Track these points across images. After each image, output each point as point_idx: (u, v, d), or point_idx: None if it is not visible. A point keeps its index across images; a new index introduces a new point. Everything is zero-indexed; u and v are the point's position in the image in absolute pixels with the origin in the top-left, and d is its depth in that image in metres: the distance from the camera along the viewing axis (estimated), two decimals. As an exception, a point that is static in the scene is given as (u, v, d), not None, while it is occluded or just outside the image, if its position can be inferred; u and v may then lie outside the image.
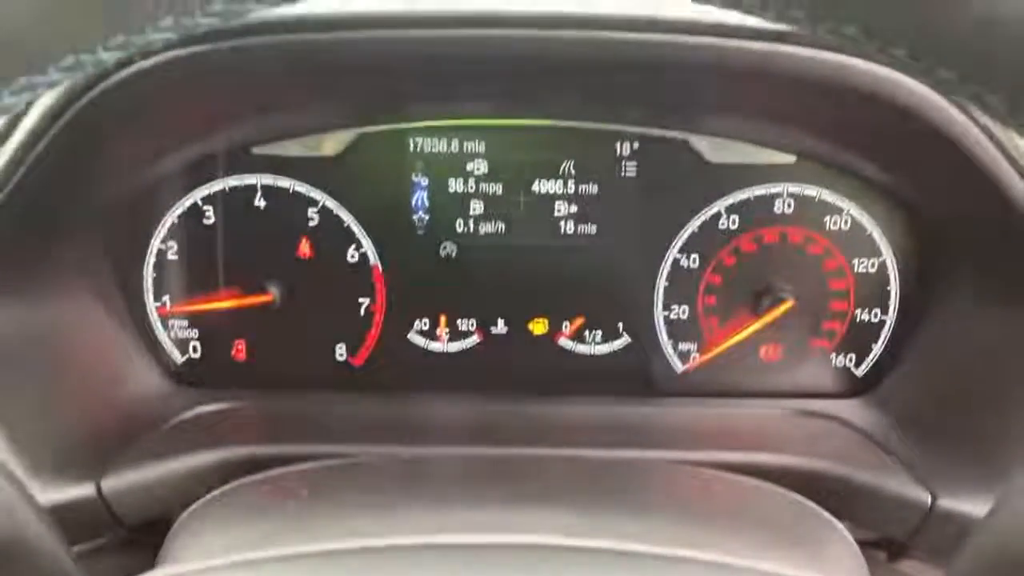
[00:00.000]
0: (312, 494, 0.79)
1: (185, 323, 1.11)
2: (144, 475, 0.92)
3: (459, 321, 1.13)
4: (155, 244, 1.08)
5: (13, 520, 0.66)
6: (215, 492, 0.81)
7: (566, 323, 1.13)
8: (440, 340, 1.13)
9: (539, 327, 1.13)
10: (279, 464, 0.91)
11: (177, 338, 1.11)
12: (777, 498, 0.81)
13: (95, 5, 0.33)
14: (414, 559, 0.61)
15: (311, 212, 1.08)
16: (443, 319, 1.13)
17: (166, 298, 1.10)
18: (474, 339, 1.13)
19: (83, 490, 0.89)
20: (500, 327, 1.13)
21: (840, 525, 0.76)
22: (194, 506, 0.81)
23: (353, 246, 1.09)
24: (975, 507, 0.87)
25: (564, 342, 1.14)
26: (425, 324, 1.13)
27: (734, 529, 0.72)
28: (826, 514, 0.77)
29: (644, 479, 0.88)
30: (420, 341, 1.13)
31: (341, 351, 1.13)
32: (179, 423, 1.04)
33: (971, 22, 0.30)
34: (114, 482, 0.90)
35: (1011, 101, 0.31)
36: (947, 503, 0.90)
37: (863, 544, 0.80)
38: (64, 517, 0.71)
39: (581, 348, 1.14)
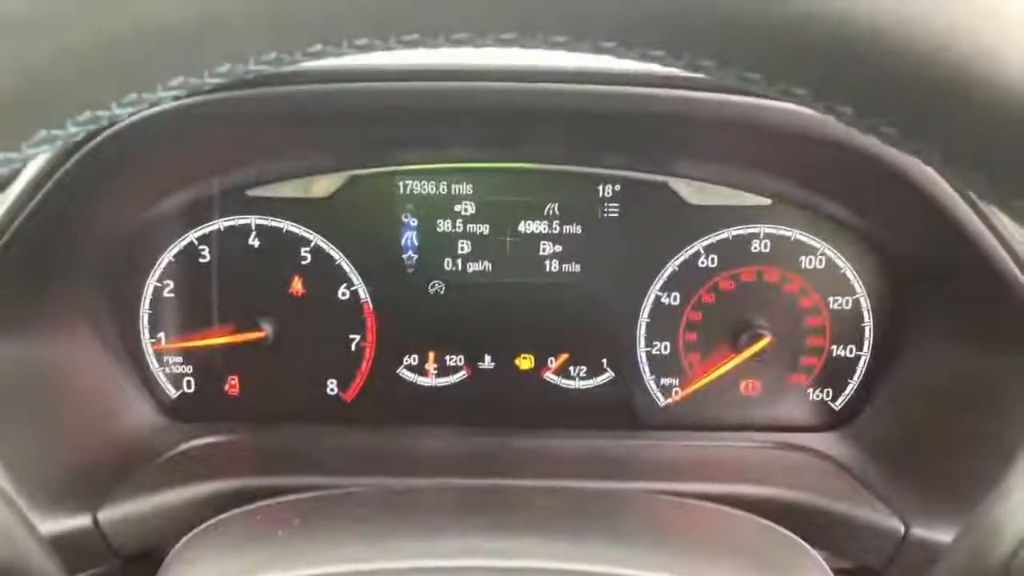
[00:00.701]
0: (304, 523, 0.81)
1: (180, 359, 1.14)
2: (139, 507, 0.94)
3: (447, 357, 1.16)
4: (151, 282, 1.11)
5: (15, 547, 0.68)
6: (209, 522, 0.83)
7: (551, 358, 1.16)
8: (429, 375, 1.16)
9: (525, 362, 1.16)
10: (271, 496, 0.93)
11: (172, 373, 1.14)
12: (750, 525, 0.84)
13: (110, 65, 0.37)
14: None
15: (303, 251, 1.12)
16: (432, 355, 1.16)
17: (161, 334, 1.13)
18: (462, 374, 1.17)
19: (79, 521, 0.91)
20: (487, 362, 1.16)
21: (813, 551, 0.79)
22: (188, 536, 0.83)
23: (344, 284, 1.13)
24: (946, 535, 0.90)
25: (550, 377, 1.17)
26: (414, 360, 1.16)
27: (711, 554, 0.74)
28: (798, 539, 0.80)
29: (624, 508, 0.91)
30: (409, 376, 1.16)
31: (332, 386, 1.16)
32: (173, 456, 1.06)
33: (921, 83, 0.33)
34: (110, 513, 0.92)
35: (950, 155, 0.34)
36: (920, 532, 0.93)
37: (839, 572, 0.83)
38: (61, 547, 0.73)
39: (566, 383, 1.17)
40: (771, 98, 0.90)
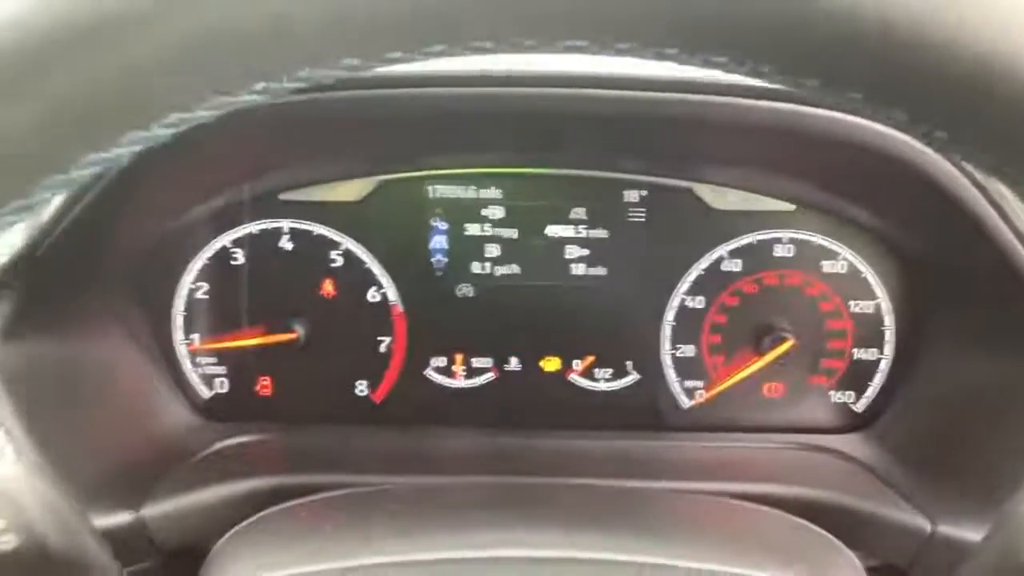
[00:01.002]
0: (344, 518, 0.83)
1: (213, 360, 1.16)
2: (179, 503, 0.96)
3: (474, 359, 1.18)
4: (185, 284, 1.13)
5: (73, 540, 0.70)
6: (252, 518, 0.85)
7: (577, 361, 1.18)
8: (456, 377, 1.18)
9: (551, 364, 1.18)
10: (305, 494, 0.95)
11: (205, 374, 1.16)
12: (783, 521, 0.85)
13: (198, 68, 0.39)
14: (453, 571, 0.66)
15: (334, 254, 1.14)
16: (459, 357, 1.18)
17: (195, 336, 1.15)
18: (489, 376, 1.18)
19: (123, 517, 0.93)
20: (514, 364, 1.18)
21: (846, 548, 0.80)
22: (231, 531, 0.85)
23: (374, 287, 1.15)
24: (972, 534, 0.91)
25: (575, 379, 1.18)
26: (442, 362, 1.18)
27: (747, 548, 0.76)
28: (831, 537, 0.82)
29: (655, 503, 0.93)
30: (437, 378, 1.18)
31: (362, 387, 1.18)
32: (208, 455, 1.08)
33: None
34: (151, 510, 0.94)
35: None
36: (946, 530, 0.95)
37: (866, 570, 0.84)
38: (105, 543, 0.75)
39: (591, 385, 1.19)
40: (795, 103, 0.93)
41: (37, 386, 0.95)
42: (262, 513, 0.87)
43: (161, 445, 1.07)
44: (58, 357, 0.99)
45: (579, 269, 1.15)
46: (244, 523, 0.87)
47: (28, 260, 0.94)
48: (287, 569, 0.72)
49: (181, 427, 1.12)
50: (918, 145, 0.92)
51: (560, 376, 1.18)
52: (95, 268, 1.02)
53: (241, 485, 1.01)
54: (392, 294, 1.15)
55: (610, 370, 1.18)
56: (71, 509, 0.71)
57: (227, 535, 0.85)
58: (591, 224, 1.14)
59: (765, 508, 0.89)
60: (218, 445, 1.10)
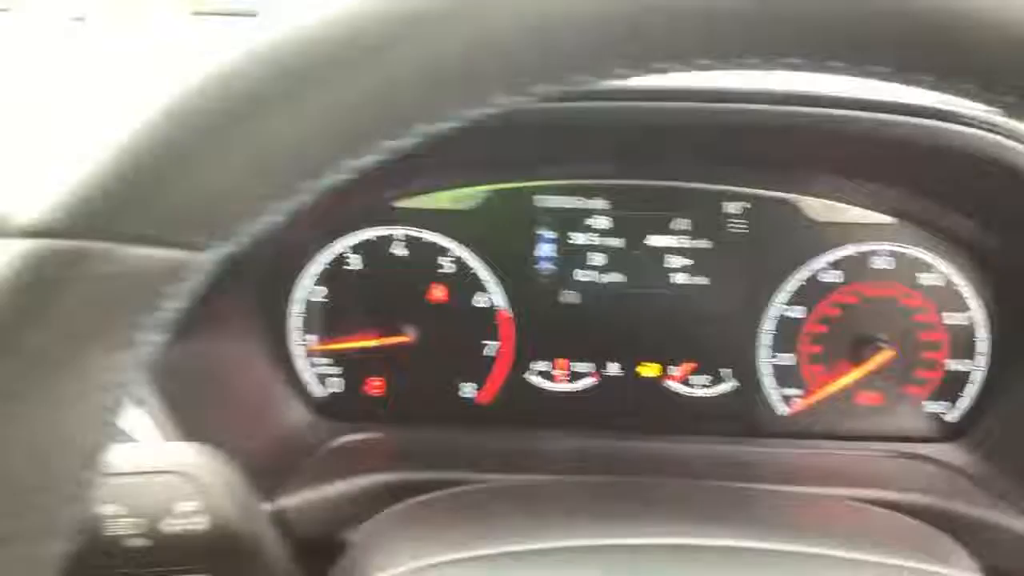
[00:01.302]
0: (479, 510, 0.88)
1: (328, 361, 1.21)
2: (309, 496, 1.01)
3: (576, 363, 1.22)
4: (304, 288, 1.19)
5: (252, 522, 0.75)
6: (389, 509, 0.90)
7: (675, 367, 1.22)
8: (557, 381, 1.22)
9: (650, 370, 1.22)
10: (421, 490, 1.00)
11: (320, 374, 1.21)
12: (901, 521, 0.88)
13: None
14: (603, 557, 0.70)
15: (445, 260, 1.19)
16: (562, 362, 1.22)
17: (312, 337, 1.20)
18: (589, 381, 1.22)
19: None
20: (613, 370, 1.22)
21: (961, 548, 0.83)
22: (368, 523, 0.90)
23: (481, 293, 1.19)
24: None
25: (673, 385, 1.22)
26: (545, 366, 1.22)
27: (869, 542, 0.79)
28: (947, 537, 0.85)
29: (764, 500, 0.96)
30: (539, 382, 1.23)
31: (467, 389, 1.22)
32: (328, 451, 1.13)
33: None
34: (285, 501, 0.99)
35: None
36: None
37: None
38: None
39: (688, 391, 1.22)
40: (911, 115, 0.96)
41: (180, 383, 1.01)
42: (399, 505, 0.92)
43: (284, 441, 1.12)
44: (195, 356, 1.05)
45: (680, 278, 1.19)
46: (381, 515, 0.91)
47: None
48: (441, 556, 0.76)
49: (299, 424, 1.18)
50: None
51: (658, 382, 1.22)
52: (231, 271, 1.07)
53: (363, 480, 1.05)
54: (499, 299, 1.20)
55: (708, 377, 1.22)
56: (248, 493, 0.77)
57: (365, 526, 0.90)
58: (693, 234, 1.18)
59: (877, 508, 0.92)
60: (335, 442, 1.15)
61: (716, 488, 1.00)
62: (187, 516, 0.73)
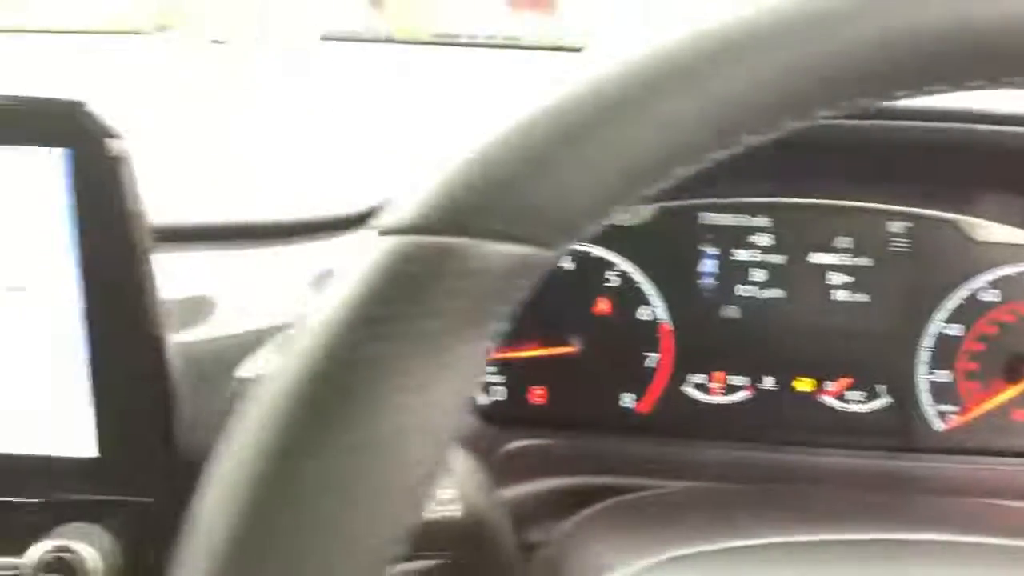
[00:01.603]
0: (687, 510, 0.91)
1: (492, 369, 1.25)
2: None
3: (732, 377, 1.25)
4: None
5: (491, 509, 0.79)
6: (595, 507, 0.93)
7: (830, 382, 1.24)
8: (713, 394, 1.26)
9: (805, 385, 1.25)
10: (593, 494, 1.03)
11: (484, 383, 1.25)
12: None
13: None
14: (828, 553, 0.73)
15: (611, 275, 1.23)
16: (718, 375, 1.25)
17: (480, 346, 1.24)
18: (744, 394, 1.26)
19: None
20: (769, 383, 1.25)
21: None
22: (573, 520, 0.93)
23: (645, 306, 1.23)
24: None
25: (827, 399, 1.25)
26: (701, 379, 1.25)
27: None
28: None
29: (945, 507, 0.99)
30: (695, 394, 1.26)
31: (627, 399, 1.26)
32: (502, 456, 1.17)
33: None
34: None
35: None
36: None
37: None
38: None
39: (843, 405, 1.25)
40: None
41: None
42: (595, 507, 0.96)
43: (462, 444, 1.16)
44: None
45: (841, 295, 1.22)
46: (580, 517, 0.95)
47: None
48: (673, 551, 0.80)
49: (468, 430, 1.22)
50: None
51: (813, 396, 1.25)
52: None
53: (538, 485, 1.09)
54: (661, 313, 1.23)
55: (863, 392, 1.24)
56: (490, 483, 0.81)
57: (569, 522, 0.93)
58: (855, 252, 1.21)
59: None
60: (506, 448, 1.19)
61: (886, 496, 1.03)
62: (444, 504, 0.77)
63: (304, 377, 0.42)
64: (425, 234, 0.44)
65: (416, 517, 0.42)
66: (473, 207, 0.44)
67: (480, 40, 1.76)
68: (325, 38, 1.75)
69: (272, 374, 0.43)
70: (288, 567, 0.39)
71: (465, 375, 0.46)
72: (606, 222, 0.48)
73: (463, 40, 1.76)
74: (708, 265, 1.23)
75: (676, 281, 1.23)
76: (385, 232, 0.45)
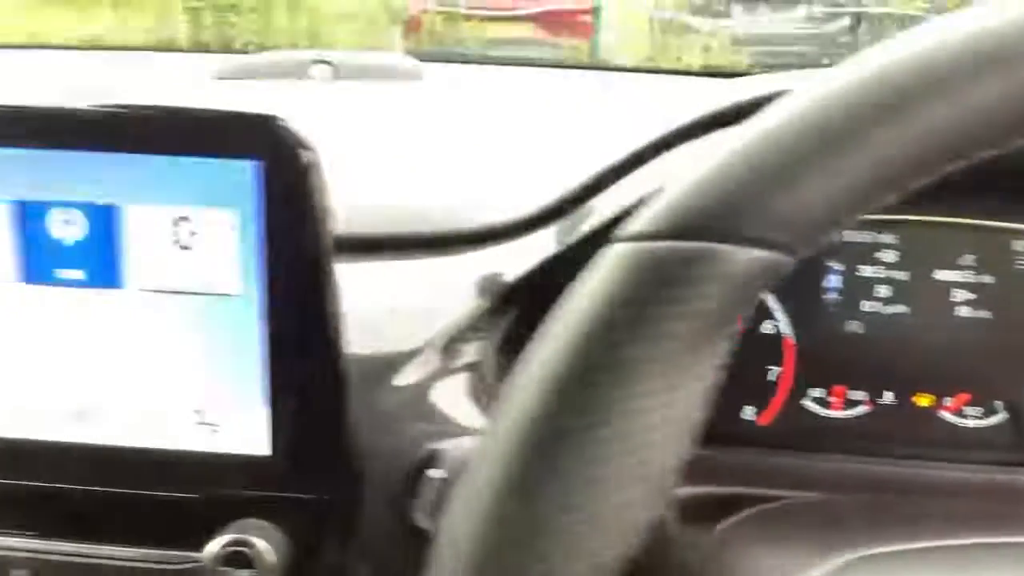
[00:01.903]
0: (831, 518, 0.93)
1: (617, 380, 1.26)
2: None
3: (852, 392, 1.27)
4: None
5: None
6: (752, 510, 0.95)
7: (949, 398, 1.26)
8: (833, 408, 1.27)
9: (924, 400, 1.26)
10: (718, 503, 1.05)
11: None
12: None
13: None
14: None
15: (736, 289, 1.24)
16: (838, 389, 1.27)
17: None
18: (863, 408, 1.27)
19: None
20: (888, 398, 1.26)
21: None
22: (729, 522, 0.95)
23: (769, 320, 1.25)
24: None
25: (945, 415, 1.26)
26: (821, 392, 1.27)
27: None
28: None
29: None
30: (815, 407, 1.27)
31: (748, 412, 1.27)
32: None
33: None
34: None
35: None
36: None
37: None
38: None
39: (960, 421, 1.26)
40: None
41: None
42: (743, 514, 0.97)
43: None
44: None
45: (964, 312, 1.24)
46: (738, 522, 0.96)
47: (530, 284, 1.06)
48: (839, 558, 0.81)
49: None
50: None
51: (931, 411, 1.27)
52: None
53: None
54: (785, 327, 1.25)
55: (981, 408, 1.26)
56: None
57: (724, 524, 0.95)
58: (978, 270, 1.23)
59: None
60: None
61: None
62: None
63: (563, 375, 0.45)
64: (678, 239, 0.46)
65: (659, 507, 0.47)
66: (725, 213, 0.45)
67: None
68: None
69: (528, 372, 0.47)
70: (548, 543, 0.43)
71: (707, 375, 0.49)
72: (845, 230, 0.49)
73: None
74: (833, 280, 1.24)
75: (800, 296, 1.24)
76: (635, 239, 0.47)
